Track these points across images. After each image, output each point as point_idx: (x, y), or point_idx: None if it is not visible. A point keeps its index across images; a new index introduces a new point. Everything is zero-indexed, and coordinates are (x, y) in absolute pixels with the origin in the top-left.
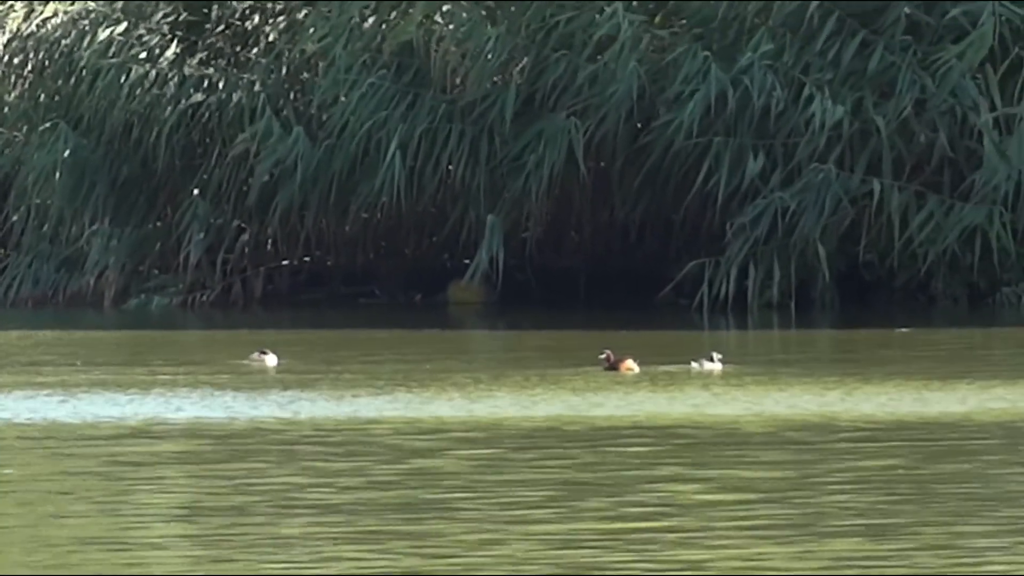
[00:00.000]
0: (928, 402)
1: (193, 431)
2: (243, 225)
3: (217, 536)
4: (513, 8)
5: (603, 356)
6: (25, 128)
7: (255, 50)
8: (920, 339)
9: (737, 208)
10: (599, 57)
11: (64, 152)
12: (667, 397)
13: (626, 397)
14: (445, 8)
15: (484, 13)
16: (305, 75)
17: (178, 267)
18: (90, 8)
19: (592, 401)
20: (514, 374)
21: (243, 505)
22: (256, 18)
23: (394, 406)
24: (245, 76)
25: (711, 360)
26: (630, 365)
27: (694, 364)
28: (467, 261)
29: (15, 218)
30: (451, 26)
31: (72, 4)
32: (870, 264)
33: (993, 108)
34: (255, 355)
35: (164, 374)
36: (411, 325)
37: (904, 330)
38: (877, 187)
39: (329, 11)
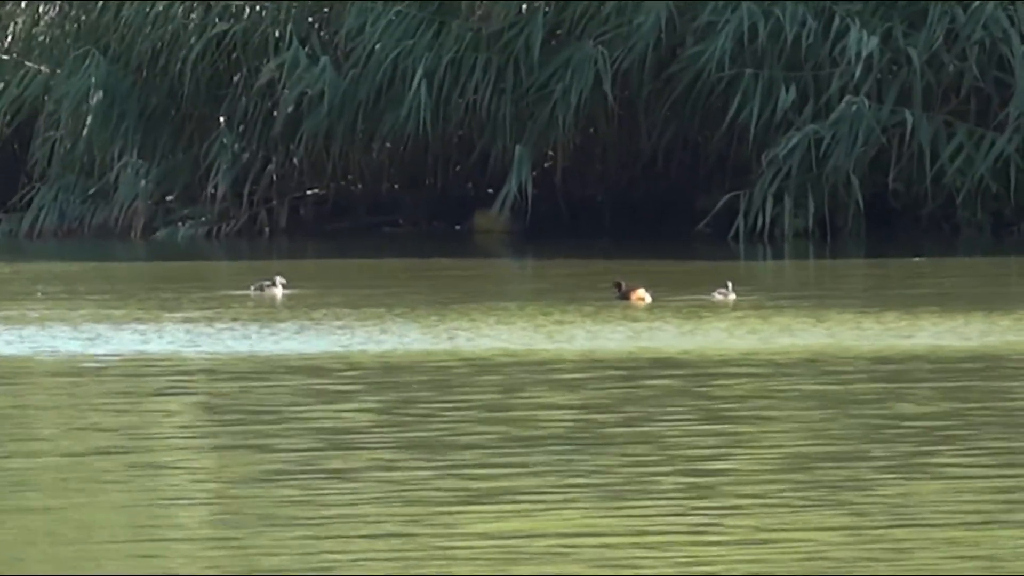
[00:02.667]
0: None
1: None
2: (268, 155)
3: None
4: None
5: (615, 285)
6: (49, 59)
7: None
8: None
9: (768, 139)
10: None
11: (96, 80)
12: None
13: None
14: None
15: None
16: (329, 5)
17: (204, 198)
18: None
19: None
20: (534, 305)
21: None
22: None
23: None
24: (269, 5)
25: (727, 290)
26: (641, 295)
27: (717, 295)
28: (491, 191)
29: (39, 151)
30: None
31: None
32: (897, 193)
33: (1022, 40)
34: (258, 285)
35: (188, 307)
36: (436, 253)
37: (918, 259)
38: (909, 118)
39: None
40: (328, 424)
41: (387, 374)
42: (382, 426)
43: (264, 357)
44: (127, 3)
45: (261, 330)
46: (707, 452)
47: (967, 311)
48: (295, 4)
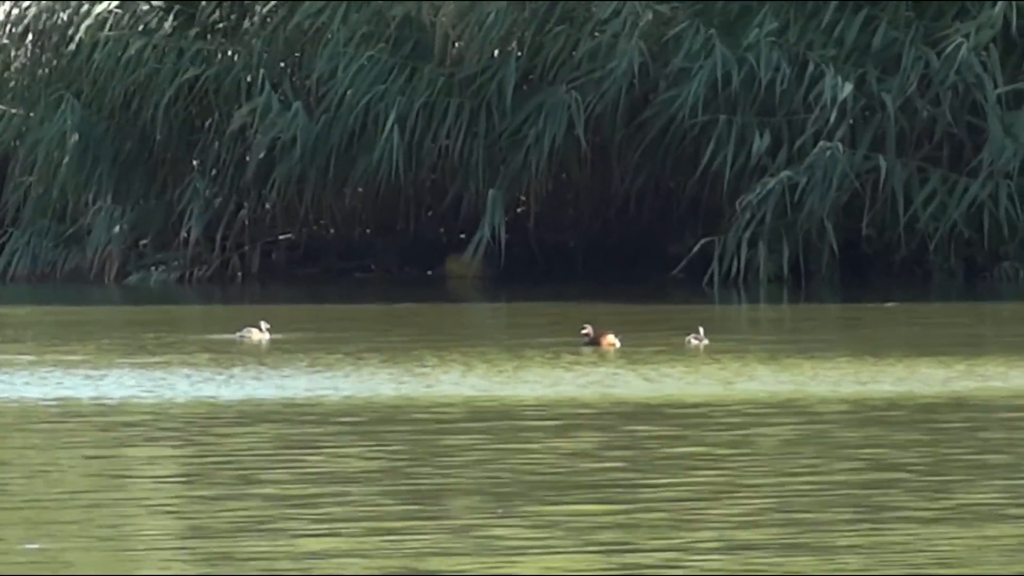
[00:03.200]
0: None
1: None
2: (240, 201)
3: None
4: None
5: (584, 332)
6: (23, 103)
7: (251, 24)
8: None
9: (741, 185)
10: (597, 32)
11: (70, 125)
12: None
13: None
14: None
15: None
16: (301, 50)
17: (177, 243)
18: None
19: (567, 379)
20: (508, 351)
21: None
22: None
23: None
24: (241, 50)
25: (700, 335)
26: (611, 340)
27: (692, 340)
28: (463, 236)
29: (11, 195)
30: None
31: None
32: (870, 238)
33: (996, 85)
34: (245, 331)
35: (174, 351)
36: (409, 299)
37: (890, 304)
38: (883, 164)
39: None
40: (311, 471)
41: (374, 422)
42: (368, 473)
43: (237, 403)
44: (99, 47)
45: (243, 375)
46: (686, 497)
47: (942, 357)
48: (266, 49)
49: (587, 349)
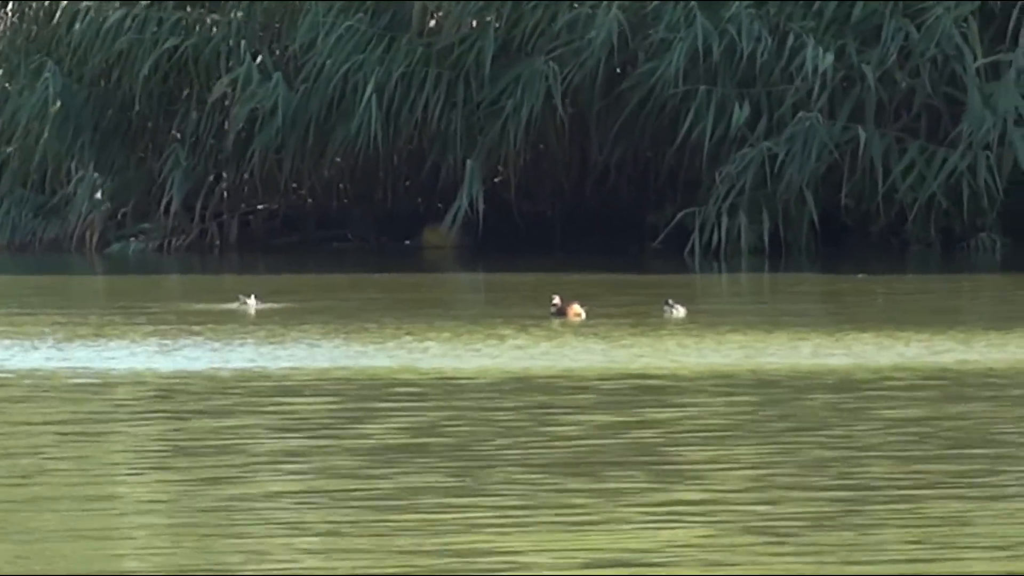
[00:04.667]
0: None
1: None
2: (220, 170)
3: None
4: None
5: (553, 303)
6: (1, 72)
7: None
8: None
9: (720, 155)
10: (576, 3)
11: (52, 93)
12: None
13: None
14: None
15: None
16: (280, 20)
17: (157, 213)
18: None
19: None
20: (487, 321)
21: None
22: None
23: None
24: (221, 19)
25: (671, 305)
26: (577, 310)
27: (669, 310)
28: (440, 205)
29: None
30: None
31: None
32: (848, 209)
33: (975, 57)
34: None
35: (167, 321)
36: (387, 269)
37: (862, 276)
38: (862, 134)
39: None
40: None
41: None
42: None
43: (226, 374)
44: (80, 17)
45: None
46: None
47: (919, 328)
48: (246, 20)
49: (555, 320)
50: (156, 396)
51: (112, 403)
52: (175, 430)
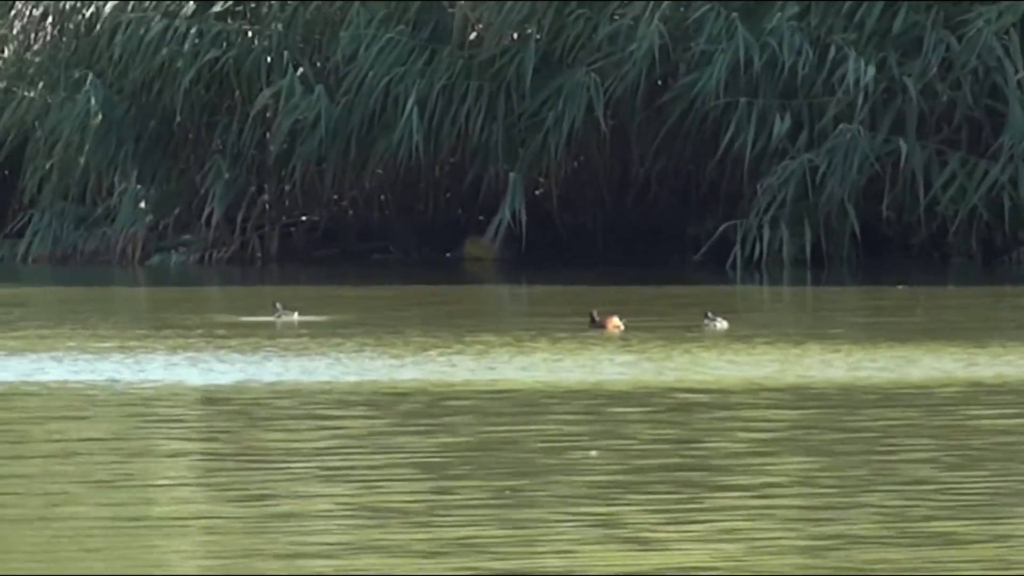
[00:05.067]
0: None
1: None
2: (261, 182)
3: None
4: None
5: (593, 316)
6: (42, 85)
7: (271, 5)
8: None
9: (761, 168)
10: (617, 14)
11: (94, 105)
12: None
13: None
14: None
15: None
16: (321, 32)
17: (198, 224)
18: None
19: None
20: (532, 333)
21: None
22: None
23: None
24: (262, 31)
25: (712, 318)
26: (616, 323)
27: (712, 323)
28: (482, 218)
29: (29, 175)
30: None
31: None
32: (889, 221)
33: (1016, 69)
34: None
35: (218, 333)
36: (429, 281)
37: (901, 287)
38: (903, 146)
39: None
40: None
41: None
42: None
43: (259, 386)
44: (121, 29)
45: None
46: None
47: (964, 342)
48: (287, 31)
49: (593, 332)
50: (197, 409)
51: (152, 416)
52: (215, 444)
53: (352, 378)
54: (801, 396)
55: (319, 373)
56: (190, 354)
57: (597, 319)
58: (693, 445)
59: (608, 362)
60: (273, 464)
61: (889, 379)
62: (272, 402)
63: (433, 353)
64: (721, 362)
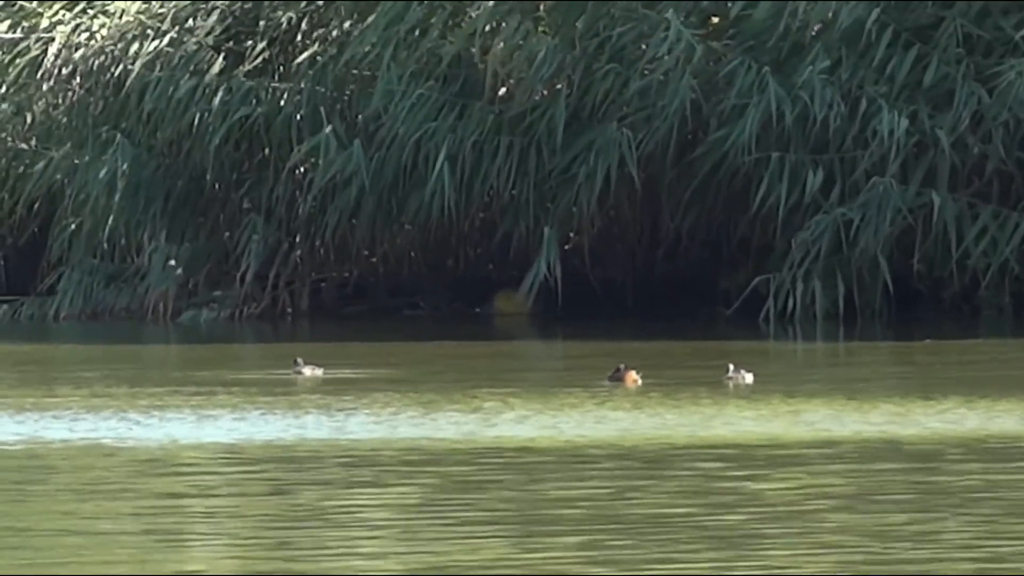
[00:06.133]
0: None
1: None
2: (293, 239)
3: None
4: (563, 19)
5: (618, 370)
6: (70, 144)
7: (300, 63)
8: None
9: (793, 221)
10: (648, 69)
11: (122, 165)
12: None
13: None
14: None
15: (535, 25)
16: (351, 87)
17: (229, 281)
18: (137, 20)
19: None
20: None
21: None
22: (303, 28)
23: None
24: (291, 88)
25: (736, 371)
26: (634, 377)
27: (736, 377)
28: (513, 273)
29: (57, 233)
30: (500, 38)
31: (120, 18)
32: (920, 274)
33: None
34: (299, 367)
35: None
36: (462, 337)
37: (928, 341)
38: (936, 199)
39: (382, 22)
40: (368, 514)
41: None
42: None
43: (291, 443)
44: (150, 88)
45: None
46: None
47: (995, 396)
48: (317, 87)
49: (610, 384)
50: (227, 468)
51: (183, 474)
52: (248, 504)
53: (386, 435)
54: (829, 453)
55: (352, 430)
56: (214, 411)
57: (619, 372)
58: (718, 502)
59: (631, 416)
60: (338, 525)
61: (921, 433)
62: (329, 461)
63: (456, 408)
64: (740, 416)
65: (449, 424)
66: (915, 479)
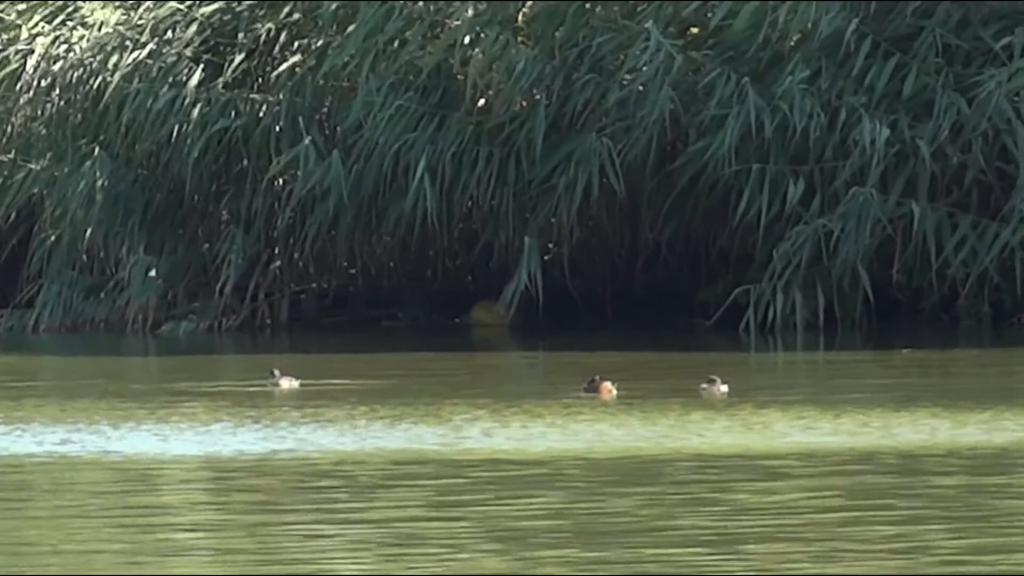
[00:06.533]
0: None
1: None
2: (272, 250)
3: None
4: (543, 30)
5: (591, 382)
6: (49, 156)
7: (279, 74)
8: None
9: (774, 232)
10: (626, 80)
11: (101, 177)
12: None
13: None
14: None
15: (514, 35)
16: (330, 99)
17: (208, 293)
18: (116, 31)
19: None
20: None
21: None
22: (282, 39)
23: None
24: (270, 100)
25: (714, 383)
26: (609, 388)
27: (712, 388)
28: (493, 284)
29: (36, 246)
30: (479, 48)
31: (99, 30)
32: (899, 284)
33: None
34: (276, 378)
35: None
36: (440, 348)
37: (907, 351)
38: (916, 210)
39: (361, 33)
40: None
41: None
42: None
43: (263, 455)
44: (129, 101)
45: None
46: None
47: (974, 406)
48: (296, 99)
49: (585, 396)
50: (205, 481)
51: (160, 489)
52: (231, 520)
53: (373, 446)
54: (804, 463)
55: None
56: (189, 423)
57: (594, 383)
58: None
59: (607, 428)
60: (329, 535)
61: (898, 443)
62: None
63: (442, 419)
64: (711, 426)
65: (417, 436)
66: (891, 488)
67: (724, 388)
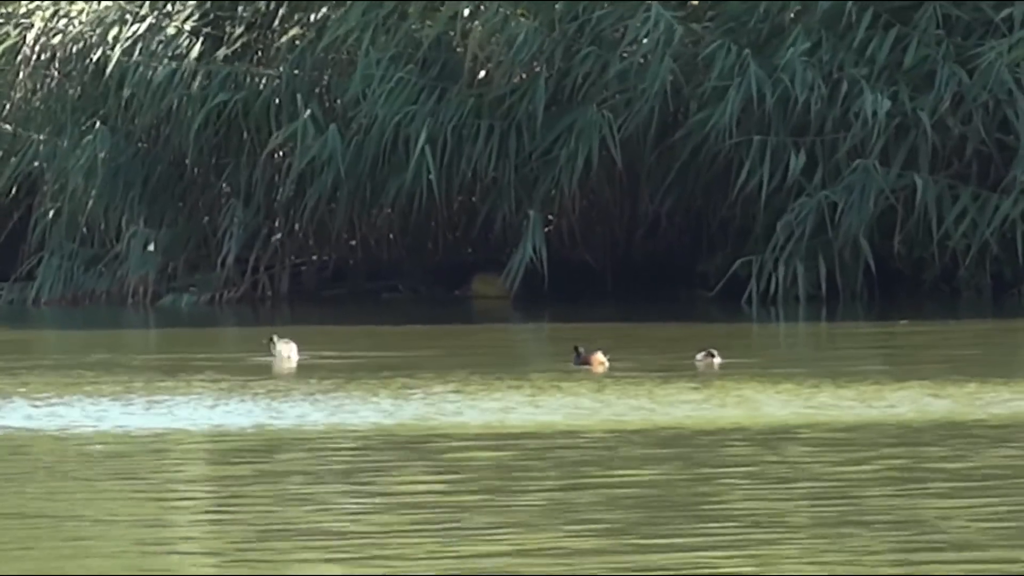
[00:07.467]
0: None
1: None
2: (272, 223)
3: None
4: (543, 2)
5: (580, 351)
6: (49, 129)
7: (279, 47)
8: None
9: (775, 204)
10: (627, 52)
11: (101, 151)
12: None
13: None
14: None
15: (514, 7)
16: (330, 72)
17: (209, 266)
18: (116, 5)
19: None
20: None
21: None
22: (282, 12)
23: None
24: (270, 73)
25: (710, 355)
26: (601, 359)
27: (702, 358)
28: (493, 256)
29: (36, 219)
30: (479, 21)
31: (99, 3)
32: (901, 255)
33: None
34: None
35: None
36: (442, 320)
37: (904, 322)
38: (918, 181)
39: (361, 6)
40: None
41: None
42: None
43: (265, 430)
44: (129, 74)
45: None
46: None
47: (970, 378)
48: (296, 72)
49: (576, 367)
50: (210, 454)
51: (161, 462)
52: (231, 492)
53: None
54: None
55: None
56: (192, 395)
57: (582, 355)
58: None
59: (601, 401)
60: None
61: (900, 415)
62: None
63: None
64: (703, 398)
65: (406, 408)
66: (886, 460)
67: (717, 360)
